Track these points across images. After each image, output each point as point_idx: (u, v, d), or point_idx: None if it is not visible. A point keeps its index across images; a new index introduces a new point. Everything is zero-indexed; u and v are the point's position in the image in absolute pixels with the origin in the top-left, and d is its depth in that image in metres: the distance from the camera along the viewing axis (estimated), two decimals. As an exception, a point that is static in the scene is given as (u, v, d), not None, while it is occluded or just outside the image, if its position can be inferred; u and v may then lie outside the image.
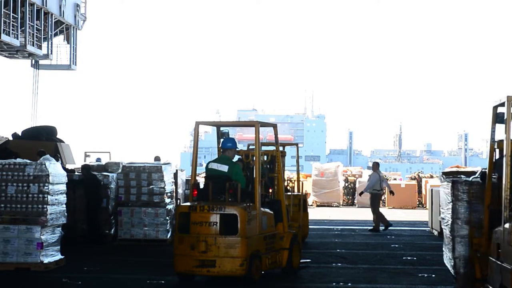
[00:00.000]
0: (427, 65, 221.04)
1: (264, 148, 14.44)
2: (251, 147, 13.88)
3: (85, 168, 17.80)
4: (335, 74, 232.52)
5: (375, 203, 21.60)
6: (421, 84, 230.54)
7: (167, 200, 17.27)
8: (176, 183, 18.23)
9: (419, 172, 39.14)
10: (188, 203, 11.75)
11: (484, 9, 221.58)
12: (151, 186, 17.12)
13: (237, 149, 12.35)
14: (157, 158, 21.05)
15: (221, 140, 12.46)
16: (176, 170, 18.72)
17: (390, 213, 23.37)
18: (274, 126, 12.76)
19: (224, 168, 11.74)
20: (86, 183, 17.22)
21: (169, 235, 17.21)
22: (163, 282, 11.80)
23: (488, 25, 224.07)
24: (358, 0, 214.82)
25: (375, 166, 22.45)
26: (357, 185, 35.21)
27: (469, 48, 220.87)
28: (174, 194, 18.00)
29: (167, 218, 17.15)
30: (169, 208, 17.29)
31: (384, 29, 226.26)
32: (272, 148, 13.71)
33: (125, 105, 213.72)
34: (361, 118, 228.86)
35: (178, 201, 12.76)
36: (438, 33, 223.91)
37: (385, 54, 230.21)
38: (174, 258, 11.43)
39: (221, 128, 12.67)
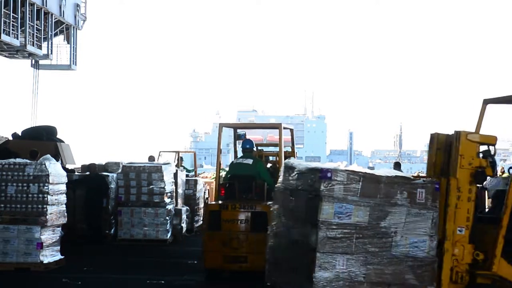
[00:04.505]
0: (427, 65, 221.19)
1: (272, 149, 15.03)
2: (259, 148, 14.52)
3: (93, 167, 17.86)
4: (335, 75, 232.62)
5: None
6: (421, 84, 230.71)
7: (167, 200, 17.26)
8: (176, 183, 18.22)
9: (420, 172, 39.15)
10: (218, 202, 12.10)
11: (483, 9, 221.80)
12: (151, 186, 17.11)
13: (254, 149, 12.98)
14: (151, 158, 21.04)
15: (237, 141, 13.34)
16: (176, 170, 18.71)
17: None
18: (291, 129, 13.93)
19: (249, 161, 12.25)
20: (90, 183, 17.22)
21: (169, 235, 17.20)
22: (163, 282, 11.79)
23: (487, 25, 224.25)
24: (358, 0, 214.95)
25: (398, 166, 21.86)
26: None
27: (468, 48, 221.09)
28: (174, 194, 18.00)
29: (167, 218, 17.15)
30: (169, 208, 17.29)
31: (384, 30, 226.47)
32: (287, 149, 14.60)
33: (125, 105, 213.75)
34: (361, 119, 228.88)
35: (207, 200, 13.48)
36: (438, 33, 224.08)
37: (385, 55, 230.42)
38: (204, 255, 11.79)
39: (238, 130, 13.36)
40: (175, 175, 18.27)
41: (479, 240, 7.62)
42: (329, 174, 7.22)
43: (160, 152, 26.52)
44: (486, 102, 8.43)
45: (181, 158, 25.14)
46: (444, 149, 7.98)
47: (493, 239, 7.59)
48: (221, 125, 12.86)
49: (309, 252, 7.33)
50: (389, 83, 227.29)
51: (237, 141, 13.65)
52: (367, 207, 7.25)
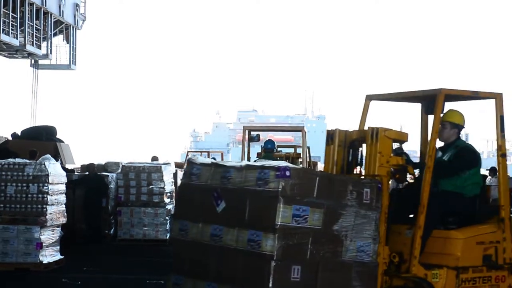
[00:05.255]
0: (427, 65, 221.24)
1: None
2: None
3: (92, 167, 17.89)
4: (335, 74, 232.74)
5: None
6: (421, 84, 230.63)
7: (167, 200, 17.25)
8: (175, 183, 18.21)
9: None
10: None
11: (482, 9, 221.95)
12: (150, 186, 17.10)
13: (275, 150, 13.46)
14: (154, 158, 21.06)
15: (250, 143, 14.06)
16: (176, 170, 18.70)
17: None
18: (305, 132, 14.69)
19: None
20: (89, 183, 17.22)
21: (168, 235, 17.19)
22: (163, 282, 11.77)
23: (488, 25, 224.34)
24: (358, 0, 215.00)
25: None
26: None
27: (468, 48, 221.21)
28: (173, 194, 17.99)
29: (167, 218, 17.14)
30: (168, 208, 17.27)
31: (384, 29, 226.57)
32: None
33: (125, 105, 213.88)
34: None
35: None
36: (437, 33, 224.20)
37: (385, 54, 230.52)
38: None
39: (251, 132, 14.05)
40: (175, 175, 18.27)
41: (392, 241, 7.21)
42: (287, 173, 6.42)
43: (188, 152, 26.73)
44: (369, 98, 8.19)
45: (214, 158, 25.26)
46: (344, 146, 7.52)
47: (407, 240, 7.23)
48: (245, 128, 13.52)
49: (258, 260, 6.43)
50: (389, 83, 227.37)
51: (250, 143, 14.34)
52: (321, 209, 6.55)
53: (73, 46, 32.71)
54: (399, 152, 7.44)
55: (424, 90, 7.81)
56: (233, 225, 6.77)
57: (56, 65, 32.60)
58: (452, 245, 7.35)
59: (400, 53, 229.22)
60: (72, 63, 32.67)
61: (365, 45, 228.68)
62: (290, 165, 6.64)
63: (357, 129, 7.87)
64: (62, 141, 24.02)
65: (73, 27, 32.61)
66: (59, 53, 32.46)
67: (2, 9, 24.53)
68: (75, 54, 32.90)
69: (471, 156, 7.72)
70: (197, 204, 7.23)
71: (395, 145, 7.52)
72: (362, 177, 7.26)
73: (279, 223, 6.34)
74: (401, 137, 7.43)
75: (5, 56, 29.57)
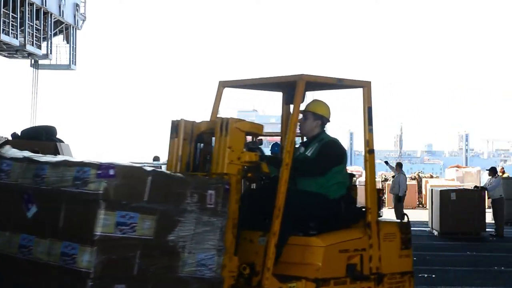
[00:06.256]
0: (427, 65, 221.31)
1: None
2: None
3: None
4: (334, 74, 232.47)
5: (400, 205, 21.47)
6: (422, 84, 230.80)
7: (167, 200, 17.21)
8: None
9: (419, 172, 39.10)
10: None
11: (482, 9, 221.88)
12: (150, 186, 17.05)
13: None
14: (156, 158, 21.01)
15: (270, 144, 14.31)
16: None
17: (390, 213, 23.32)
18: None
19: None
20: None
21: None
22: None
23: (488, 25, 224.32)
24: (358, 0, 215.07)
25: (400, 166, 22.14)
26: (356, 184, 35.20)
27: (468, 47, 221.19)
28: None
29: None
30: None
31: (384, 29, 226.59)
32: None
33: (124, 105, 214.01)
34: (361, 119, 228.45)
35: None
36: (437, 33, 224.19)
37: (385, 54, 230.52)
38: None
39: (258, 137, 14.40)
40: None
41: (242, 250, 6.18)
42: (111, 172, 5.34)
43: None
44: (223, 85, 7.47)
45: None
46: (191, 139, 6.44)
47: (260, 249, 6.26)
48: (265, 134, 13.76)
49: (72, 279, 5.34)
50: (390, 83, 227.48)
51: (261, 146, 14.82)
52: (154, 215, 5.50)
53: (73, 46, 32.74)
54: (253, 147, 6.43)
55: (283, 76, 6.94)
56: (46, 235, 5.60)
57: (56, 65, 32.63)
58: (312, 254, 6.40)
59: (401, 53, 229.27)
60: (72, 63, 32.71)
61: (364, 44, 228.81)
62: (115, 162, 5.62)
63: (208, 119, 6.84)
64: (62, 141, 23.98)
65: (73, 27, 32.63)
66: (59, 53, 32.54)
67: (2, 9, 24.55)
68: (75, 54, 32.93)
69: (336, 152, 6.75)
70: (5, 208, 6.01)
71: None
72: (207, 176, 6.13)
73: (98, 234, 5.26)
74: (256, 130, 6.45)
75: (5, 56, 29.59)
